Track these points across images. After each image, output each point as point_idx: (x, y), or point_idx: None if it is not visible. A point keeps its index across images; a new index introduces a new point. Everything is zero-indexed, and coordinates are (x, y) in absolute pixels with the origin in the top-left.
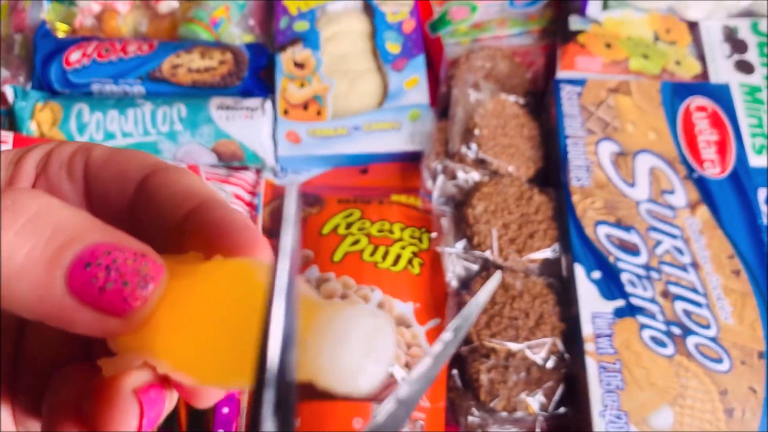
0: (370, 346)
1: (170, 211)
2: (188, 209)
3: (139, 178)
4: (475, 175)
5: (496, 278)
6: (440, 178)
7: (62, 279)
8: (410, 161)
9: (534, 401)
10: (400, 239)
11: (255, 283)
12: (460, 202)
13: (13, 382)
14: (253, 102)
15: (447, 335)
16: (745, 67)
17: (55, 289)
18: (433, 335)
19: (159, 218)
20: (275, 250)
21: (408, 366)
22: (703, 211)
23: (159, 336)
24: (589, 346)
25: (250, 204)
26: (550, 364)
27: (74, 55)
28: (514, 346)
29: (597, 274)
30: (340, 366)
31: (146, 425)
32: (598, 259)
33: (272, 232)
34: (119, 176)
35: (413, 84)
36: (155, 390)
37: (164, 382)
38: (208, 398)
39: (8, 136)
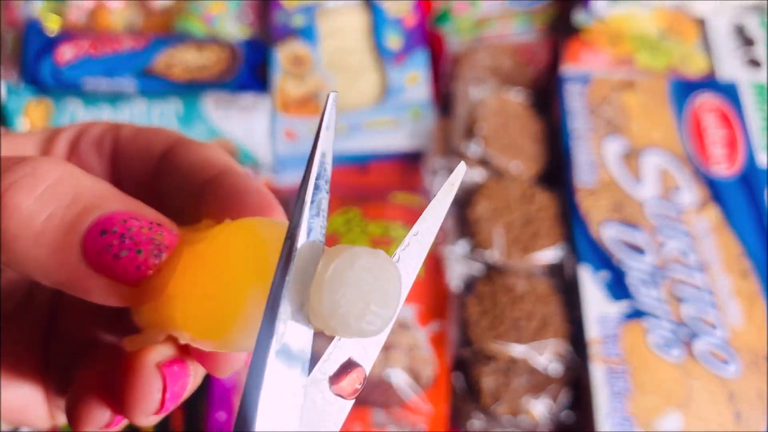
0: (372, 288)
1: (190, 180)
2: (206, 178)
3: (162, 150)
4: (477, 174)
5: (461, 169)
6: (441, 177)
7: (78, 245)
8: (411, 159)
9: (538, 405)
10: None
11: (260, 238)
12: (462, 201)
13: (45, 362)
14: (250, 99)
15: (415, 228)
16: (753, 64)
17: (71, 255)
18: (435, 338)
19: (179, 188)
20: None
21: (411, 370)
22: (712, 210)
23: (176, 306)
24: (594, 349)
25: None
26: (554, 368)
27: (66, 51)
28: (517, 349)
29: (602, 275)
30: (341, 310)
31: (169, 399)
32: (603, 260)
33: None
34: (144, 150)
35: (414, 81)
36: (178, 365)
37: (187, 356)
38: (228, 365)
39: None
